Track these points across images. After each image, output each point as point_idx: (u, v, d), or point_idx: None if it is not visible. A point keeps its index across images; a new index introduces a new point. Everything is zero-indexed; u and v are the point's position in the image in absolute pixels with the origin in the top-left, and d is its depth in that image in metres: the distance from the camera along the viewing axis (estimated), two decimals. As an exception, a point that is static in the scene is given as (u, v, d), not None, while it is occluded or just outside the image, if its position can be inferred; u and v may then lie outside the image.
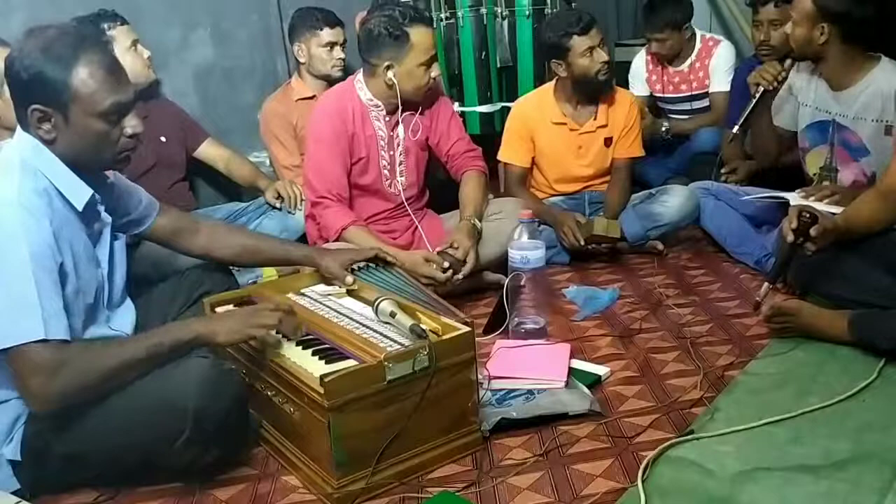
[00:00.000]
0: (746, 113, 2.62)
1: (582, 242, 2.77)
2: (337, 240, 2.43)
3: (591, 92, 2.88)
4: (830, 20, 2.31)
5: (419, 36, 2.39)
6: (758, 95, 2.57)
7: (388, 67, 2.42)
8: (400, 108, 2.51)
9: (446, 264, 2.36)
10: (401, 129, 2.56)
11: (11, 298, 1.44)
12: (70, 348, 1.48)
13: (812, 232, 2.00)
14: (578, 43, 2.76)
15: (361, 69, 2.53)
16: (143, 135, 1.63)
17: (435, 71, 2.46)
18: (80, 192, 1.59)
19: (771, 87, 2.55)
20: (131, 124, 1.59)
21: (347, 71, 3.05)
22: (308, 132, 2.61)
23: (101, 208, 1.69)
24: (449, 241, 2.43)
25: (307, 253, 2.06)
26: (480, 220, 2.54)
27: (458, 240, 2.41)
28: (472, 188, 2.61)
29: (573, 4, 3.48)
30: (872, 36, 2.38)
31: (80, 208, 1.60)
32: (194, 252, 1.94)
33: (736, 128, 2.66)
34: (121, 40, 2.72)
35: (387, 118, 2.54)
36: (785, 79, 2.55)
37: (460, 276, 2.39)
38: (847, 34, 2.32)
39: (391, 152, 2.57)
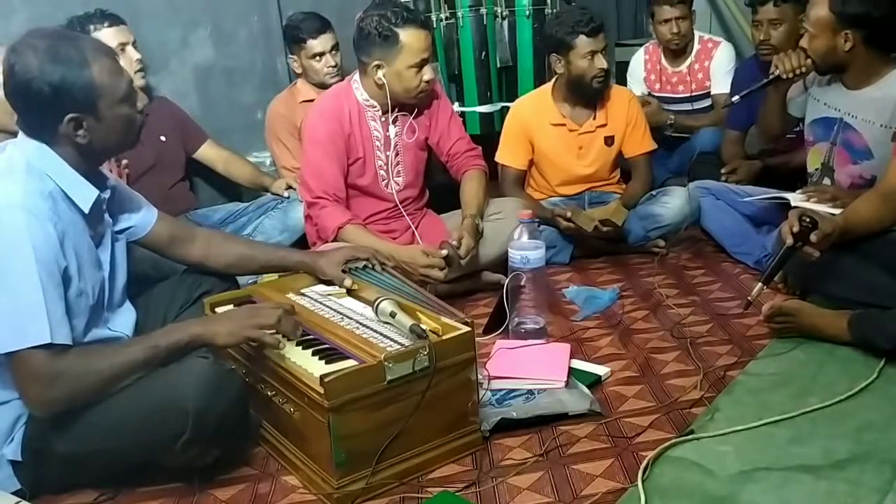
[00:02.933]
0: (752, 88, 2.67)
1: (590, 229, 2.75)
2: (334, 239, 2.44)
3: (585, 94, 2.87)
4: (852, 25, 2.27)
5: (410, 38, 2.36)
6: (771, 77, 2.57)
7: (377, 67, 2.41)
8: (390, 108, 2.50)
9: (444, 252, 2.35)
10: (396, 128, 2.56)
11: (17, 302, 1.44)
12: (69, 354, 1.48)
13: (812, 237, 2.00)
14: (583, 44, 2.75)
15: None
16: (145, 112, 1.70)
17: (428, 74, 2.42)
18: (87, 193, 1.60)
19: (784, 77, 2.53)
20: (139, 99, 1.65)
21: (345, 74, 3.04)
22: (304, 133, 2.61)
23: (105, 209, 1.69)
24: (456, 236, 2.41)
25: (302, 258, 2.05)
26: (482, 219, 2.54)
27: (462, 237, 2.41)
28: (474, 187, 2.61)
29: (573, 3, 3.48)
30: (893, 36, 2.33)
31: (86, 210, 1.60)
32: (190, 261, 1.94)
33: (737, 97, 2.72)
34: (106, 42, 2.67)
35: (382, 118, 2.53)
36: (804, 74, 2.53)
37: (450, 272, 2.38)
38: (869, 38, 2.29)
39: (387, 153, 2.57)
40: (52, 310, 1.45)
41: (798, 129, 2.74)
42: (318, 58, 3.03)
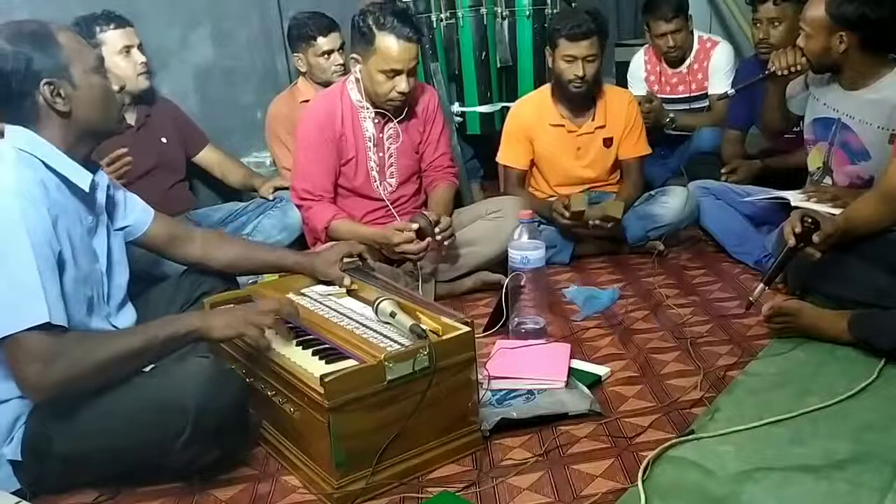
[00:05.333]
0: (747, 82, 2.77)
1: (567, 214, 2.75)
2: (327, 238, 2.46)
3: (566, 94, 2.85)
4: (847, 27, 2.27)
5: (385, 44, 2.36)
6: (766, 73, 2.61)
7: (355, 61, 2.45)
8: (372, 108, 2.51)
9: (415, 226, 2.36)
10: (389, 131, 2.57)
11: (13, 285, 1.44)
12: (67, 336, 1.48)
13: (815, 238, 2.00)
14: (563, 46, 2.75)
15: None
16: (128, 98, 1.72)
17: (402, 86, 2.41)
18: (83, 175, 1.62)
19: (780, 73, 2.55)
20: (114, 78, 1.71)
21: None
22: (295, 134, 2.63)
23: (101, 198, 1.70)
24: (432, 216, 2.44)
25: (299, 259, 2.06)
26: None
27: (439, 214, 2.44)
28: (444, 194, 2.65)
29: (573, 4, 3.48)
30: (891, 38, 2.33)
31: (86, 188, 1.62)
32: (188, 260, 1.95)
33: (732, 90, 2.83)
34: (111, 44, 2.68)
35: (376, 119, 2.54)
36: (799, 72, 2.54)
37: (439, 238, 2.40)
38: (865, 39, 2.28)
39: (380, 154, 2.58)
40: (49, 290, 1.45)
41: (798, 128, 2.74)
42: (326, 56, 3.04)
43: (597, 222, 2.76)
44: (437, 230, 2.39)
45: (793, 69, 2.53)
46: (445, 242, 2.44)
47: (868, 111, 2.37)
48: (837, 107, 2.45)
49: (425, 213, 2.42)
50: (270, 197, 2.96)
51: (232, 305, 1.86)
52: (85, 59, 1.60)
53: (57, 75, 1.55)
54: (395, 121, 2.55)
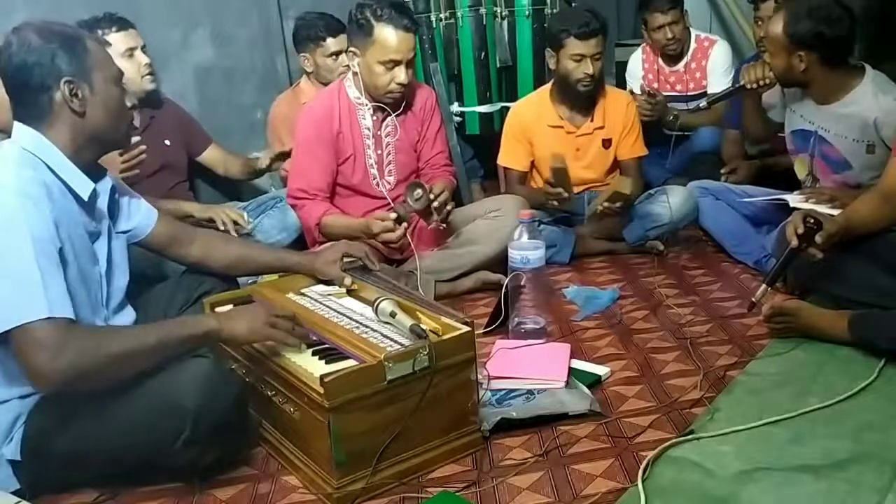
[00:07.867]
0: (720, 95, 2.90)
1: (562, 190, 2.73)
2: (320, 234, 2.49)
3: (573, 95, 2.85)
4: (805, 47, 2.28)
5: (384, 34, 2.37)
6: (737, 86, 2.67)
7: (353, 55, 2.46)
8: (373, 101, 2.51)
9: (393, 216, 2.38)
10: (387, 127, 2.57)
11: (14, 280, 1.43)
12: (76, 328, 1.46)
13: (817, 239, 2.00)
14: (572, 45, 2.74)
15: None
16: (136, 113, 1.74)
17: (401, 77, 2.42)
18: (84, 183, 1.62)
19: (749, 87, 2.58)
20: (127, 96, 1.75)
21: None
22: (294, 135, 2.64)
23: (102, 205, 1.70)
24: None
25: (300, 259, 2.06)
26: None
27: (440, 189, 2.46)
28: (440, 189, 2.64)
29: (573, 4, 3.48)
30: (850, 52, 2.35)
31: (85, 197, 1.61)
32: (189, 261, 1.95)
33: (704, 102, 2.96)
34: (115, 46, 2.67)
35: (374, 117, 2.54)
36: (769, 85, 2.56)
37: (436, 204, 2.42)
38: (825, 57, 2.30)
39: (378, 151, 2.58)
40: (49, 285, 1.43)
41: (783, 133, 2.75)
42: (334, 57, 3.06)
43: (606, 205, 2.73)
44: (432, 196, 2.40)
45: (761, 83, 2.55)
46: (447, 208, 2.44)
47: (842, 125, 2.38)
48: (813, 119, 2.46)
49: (419, 181, 2.43)
50: (266, 163, 2.99)
51: (232, 307, 1.87)
52: (107, 70, 1.64)
53: (79, 76, 1.57)
54: (394, 115, 2.55)
